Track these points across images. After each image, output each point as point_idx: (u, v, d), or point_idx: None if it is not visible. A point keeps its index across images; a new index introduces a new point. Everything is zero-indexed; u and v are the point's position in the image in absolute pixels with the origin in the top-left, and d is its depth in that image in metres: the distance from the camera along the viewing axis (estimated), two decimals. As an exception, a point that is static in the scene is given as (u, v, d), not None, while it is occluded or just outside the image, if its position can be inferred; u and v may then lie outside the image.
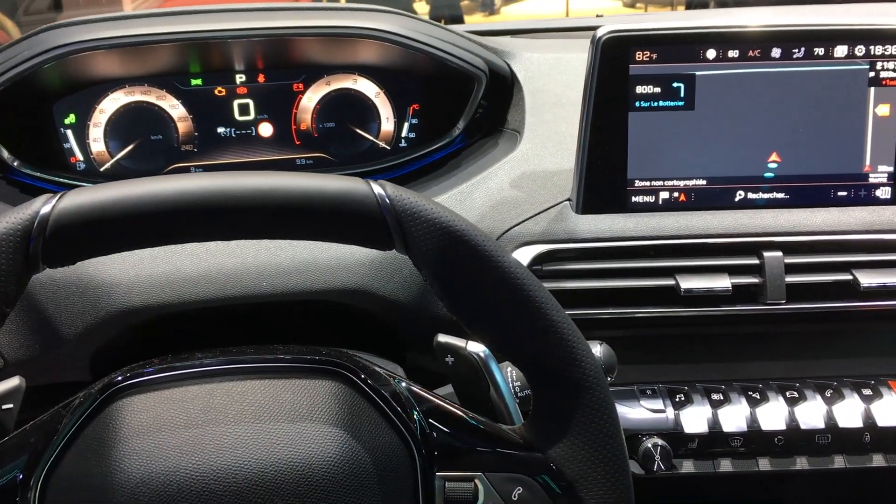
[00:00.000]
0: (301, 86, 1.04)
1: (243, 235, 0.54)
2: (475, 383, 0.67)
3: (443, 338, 0.67)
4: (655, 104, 0.84)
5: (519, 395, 0.69)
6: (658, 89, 0.84)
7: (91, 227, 0.50)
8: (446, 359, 0.67)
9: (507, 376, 0.69)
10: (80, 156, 1.01)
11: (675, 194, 0.86)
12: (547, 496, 0.56)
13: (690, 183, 0.86)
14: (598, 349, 0.71)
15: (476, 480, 0.57)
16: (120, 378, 0.56)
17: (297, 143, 1.05)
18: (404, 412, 0.57)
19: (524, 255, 0.84)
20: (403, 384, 0.60)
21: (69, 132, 1.00)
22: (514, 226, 0.86)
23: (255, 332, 0.85)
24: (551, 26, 1.26)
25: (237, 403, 0.54)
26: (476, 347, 0.66)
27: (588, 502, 0.56)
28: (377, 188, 0.54)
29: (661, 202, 0.86)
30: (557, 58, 1.07)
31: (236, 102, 1.03)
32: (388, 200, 0.54)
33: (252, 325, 0.84)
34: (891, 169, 0.85)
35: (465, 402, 0.68)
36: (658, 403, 0.85)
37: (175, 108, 1.02)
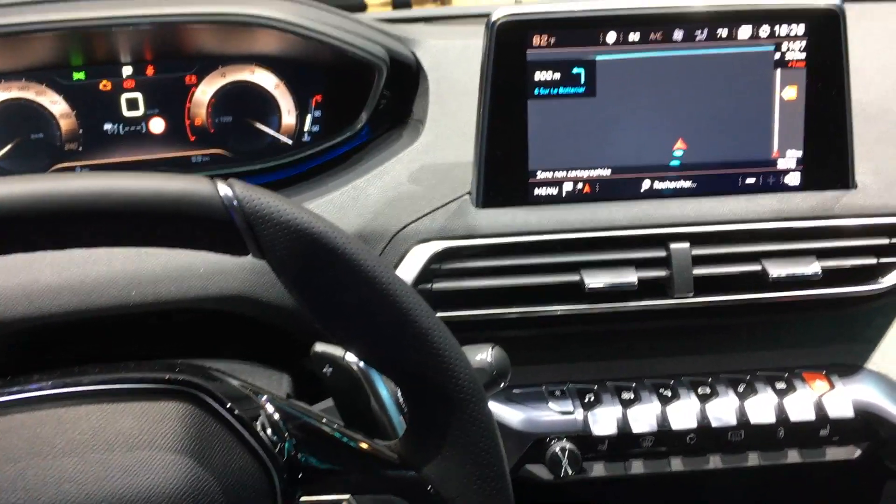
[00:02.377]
0: (194, 78, 0.98)
1: (73, 244, 0.49)
2: (356, 395, 0.62)
3: (320, 346, 0.62)
4: (555, 91, 0.80)
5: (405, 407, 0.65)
6: (558, 75, 0.80)
7: None
8: (324, 369, 0.62)
9: (392, 387, 0.65)
10: (-48, 158, 0.94)
11: (580, 185, 0.82)
12: None
13: (594, 173, 0.82)
14: (488, 353, 0.66)
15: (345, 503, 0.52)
16: None
17: (192, 139, 0.99)
18: (264, 432, 0.53)
19: (422, 254, 0.79)
20: (266, 399, 0.55)
21: (-61, 132, 0.93)
22: (411, 222, 0.81)
23: (130, 344, 0.79)
24: (465, 13, 1.21)
25: (68, 433, 0.49)
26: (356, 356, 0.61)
27: (464, 524, 0.52)
28: (224, 188, 0.49)
29: (564, 194, 0.82)
30: (465, 45, 1.03)
31: (124, 97, 0.97)
32: (236, 202, 0.49)
33: (129, 337, 0.78)
34: (799, 154, 0.82)
35: (346, 416, 0.63)
36: (567, 405, 0.82)
37: (56, 105, 0.95)
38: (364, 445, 0.55)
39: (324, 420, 0.57)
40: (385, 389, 0.62)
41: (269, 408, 0.55)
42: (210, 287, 0.77)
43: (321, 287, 0.51)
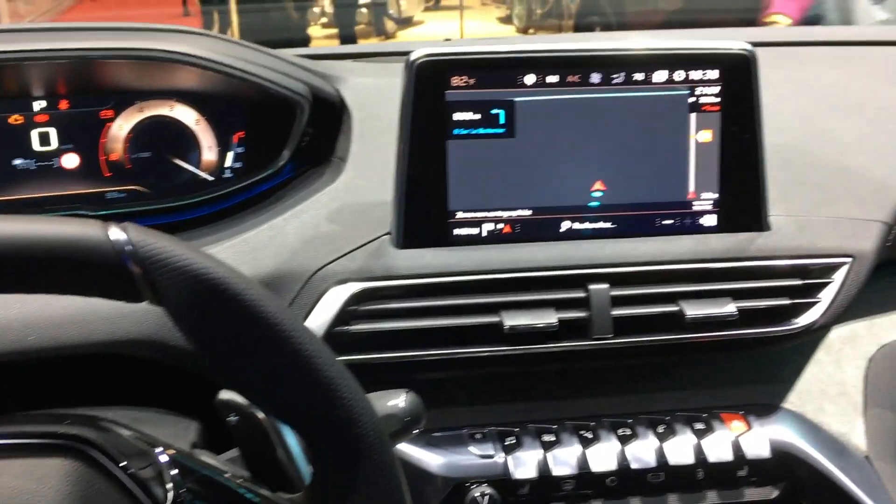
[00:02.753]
0: (110, 112, 0.96)
1: None
2: (262, 445, 0.60)
3: (225, 394, 0.60)
4: (475, 132, 0.80)
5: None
6: (477, 116, 0.80)
7: None
8: (229, 418, 0.60)
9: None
10: None
11: (500, 226, 0.82)
12: None
13: (514, 214, 0.82)
14: (401, 399, 0.65)
15: (244, 562, 0.50)
16: None
17: (108, 174, 0.96)
18: (159, 489, 0.50)
19: (339, 295, 0.78)
20: (163, 452, 0.53)
21: None
22: (329, 263, 0.80)
23: (26, 394, 0.75)
24: (393, 50, 1.21)
25: None
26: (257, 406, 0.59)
27: (369, 580, 0.50)
28: (116, 233, 0.47)
29: (484, 234, 0.82)
30: (391, 82, 1.02)
31: (35, 131, 0.94)
32: (130, 247, 0.47)
33: (26, 386, 0.75)
34: (715, 196, 0.84)
35: (252, 466, 0.61)
36: (488, 448, 0.81)
37: (-37, 139, 0.92)
38: (268, 499, 0.53)
39: (226, 473, 0.55)
40: (292, 439, 0.60)
41: (166, 462, 0.52)
42: (116, 331, 0.74)
43: (219, 335, 0.49)
